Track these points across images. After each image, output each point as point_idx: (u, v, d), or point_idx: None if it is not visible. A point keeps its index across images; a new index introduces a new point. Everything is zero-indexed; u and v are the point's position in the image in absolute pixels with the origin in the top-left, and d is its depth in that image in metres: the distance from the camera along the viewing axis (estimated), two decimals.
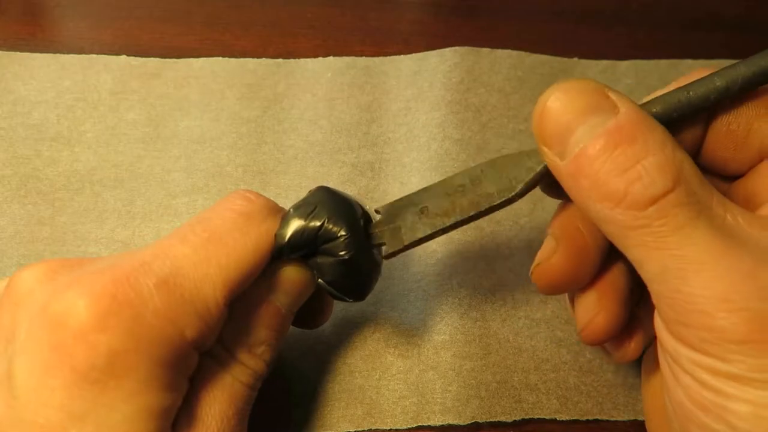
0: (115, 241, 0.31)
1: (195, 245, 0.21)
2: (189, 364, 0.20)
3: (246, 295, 0.22)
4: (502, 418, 0.26)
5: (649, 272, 0.18)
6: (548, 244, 0.22)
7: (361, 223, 0.23)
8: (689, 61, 0.38)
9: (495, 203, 0.22)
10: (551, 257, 0.22)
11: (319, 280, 0.23)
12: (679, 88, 0.20)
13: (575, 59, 0.38)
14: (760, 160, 0.21)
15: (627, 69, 0.38)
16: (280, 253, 0.22)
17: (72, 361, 0.18)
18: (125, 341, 0.18)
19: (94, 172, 0.33)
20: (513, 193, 0.21)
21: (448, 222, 0.22)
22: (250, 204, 0.22)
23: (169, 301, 0.19)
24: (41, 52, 0.37)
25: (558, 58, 0.38)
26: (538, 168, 0.21)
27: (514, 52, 0.38)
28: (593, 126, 0.18)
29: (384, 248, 0.23)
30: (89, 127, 0.35)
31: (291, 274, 0.23)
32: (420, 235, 0.22)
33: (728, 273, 0.17)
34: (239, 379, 0.22)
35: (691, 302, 0.17)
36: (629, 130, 0.18)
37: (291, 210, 0.23)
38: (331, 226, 0.22)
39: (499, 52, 0.38)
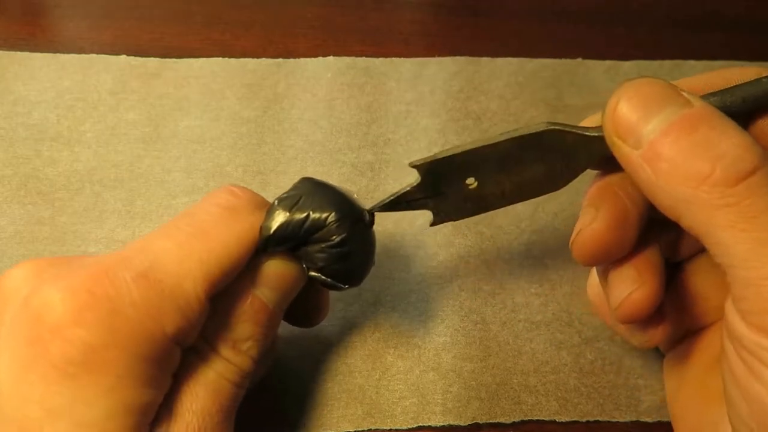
0: (115, 241, 0.31)
1: (177, 240, 0.20)
2: (171, 360, 0.20)
3: (231, 289, 0.21)
4: (502, 420, 0.26)
5: (736, 256, 0.18)
6: (587, 213, 0.22)
7: (352, 207, 0.22)
8: (692, 62, 0.38)
9: (538, 195, 0.23)
10: (592, 223, 0.21)
11: (311, 272, 0.22)
12: (726, 90, 0.20)
13: (578, 60, 0.38)
14: None
15: (630, 69, 0.38)
16: (266, 246, 0.22)
17: (49, 356, 0.18)
18: (102, 335, 0.18)
19: (94, 172, 0.33)
20: (557, 188, 0.23)
21: (494, 207, 0.23)
22: (235, 198, 0.22)
23: (148, 296, 0.19)
24: (41, 52, 0.37)
25: (560, 60, 0.38)
26: (593, 159, 0.22)
27: (515, 60, 0.38)
28: (669, 114, 0.19)
29: (432, 219, 0.24)
30: (89, 127, 0.34)
31: (277, 268, 0.22)
32: (467, 215, 0.23)
33: None
34: (224, 376, 0.21)
35: None
36: (706, 117, 0.18)
37: (276, 202, 0.22)
38: (317, 216, 0.22)
39: (500, 60, 0.38)
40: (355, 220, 0.22)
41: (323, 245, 0.22)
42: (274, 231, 0.21)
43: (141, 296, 0.19)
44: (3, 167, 0.33)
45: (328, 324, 0.28)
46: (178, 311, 0.19)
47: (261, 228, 0.21)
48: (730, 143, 0.18)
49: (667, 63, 0.38)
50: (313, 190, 0.22)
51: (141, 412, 0.19)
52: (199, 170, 0.33)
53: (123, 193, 0.32)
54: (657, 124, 0.19)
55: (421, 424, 0.26)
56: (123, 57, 0.37)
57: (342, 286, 0.23)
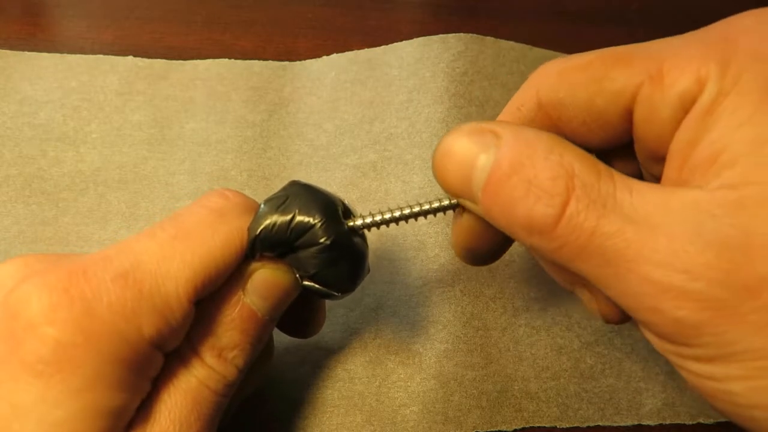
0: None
1: (161, 241, 0.18)
2: (151, 365, 0.18)
3: (219, 295, 0.19)
4: (503, 428, 0.24)
5: (600, 288, 0.16)
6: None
7: (339, 211, 0.20)
8: None
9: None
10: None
11: (304, 282, 0.20)
12: None
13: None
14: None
15: None
16: (253, 248, 0.19)
17: (21, 353, 0.16)
18: (74, 334, 0.16)
19: (98, 173, 0.30)
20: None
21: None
22: (225, 201, 0.19)
23: (125, 296, 0.17)
24: (41, 51, 0.34)
25: (561, 54, 0.35)
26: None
27: (518, 45, 0.34)
28: (483, 167, 0.17)
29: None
30: (95, 128, 0.32)
31: (269, 276, 0.20)
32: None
33: (660, 261, 0.14)
34: (206, 384, 0.19)
35: (641, 303, 0.15)
36: (513, 156, 0.16)
37: (262, 203, 0.20)
38: (303, 217, 0.19)
39: (503, 43, 0.34)
40: (344, 226, 0.20)
41: (312, 249, 0.19)
42: (260, 231, 0.19)
43: (118, 296, 0.17)
44: (8, 167, 0.30)
45: (328, 330, 0.26)
46: (158, 313, 0.17)
47: (248, 230, 0.19)
48: (538, 181, 0.16)
49: None
50: (299, 192, 0.20)
51: (112, 416, 0.17)
52: (203, 173, 0.30)
53: (127, 194, 0.30)
54: (478, 180, 0.17)
55: None
56: (130, 58, 0.34)
57: (335, 293, 0.20)
